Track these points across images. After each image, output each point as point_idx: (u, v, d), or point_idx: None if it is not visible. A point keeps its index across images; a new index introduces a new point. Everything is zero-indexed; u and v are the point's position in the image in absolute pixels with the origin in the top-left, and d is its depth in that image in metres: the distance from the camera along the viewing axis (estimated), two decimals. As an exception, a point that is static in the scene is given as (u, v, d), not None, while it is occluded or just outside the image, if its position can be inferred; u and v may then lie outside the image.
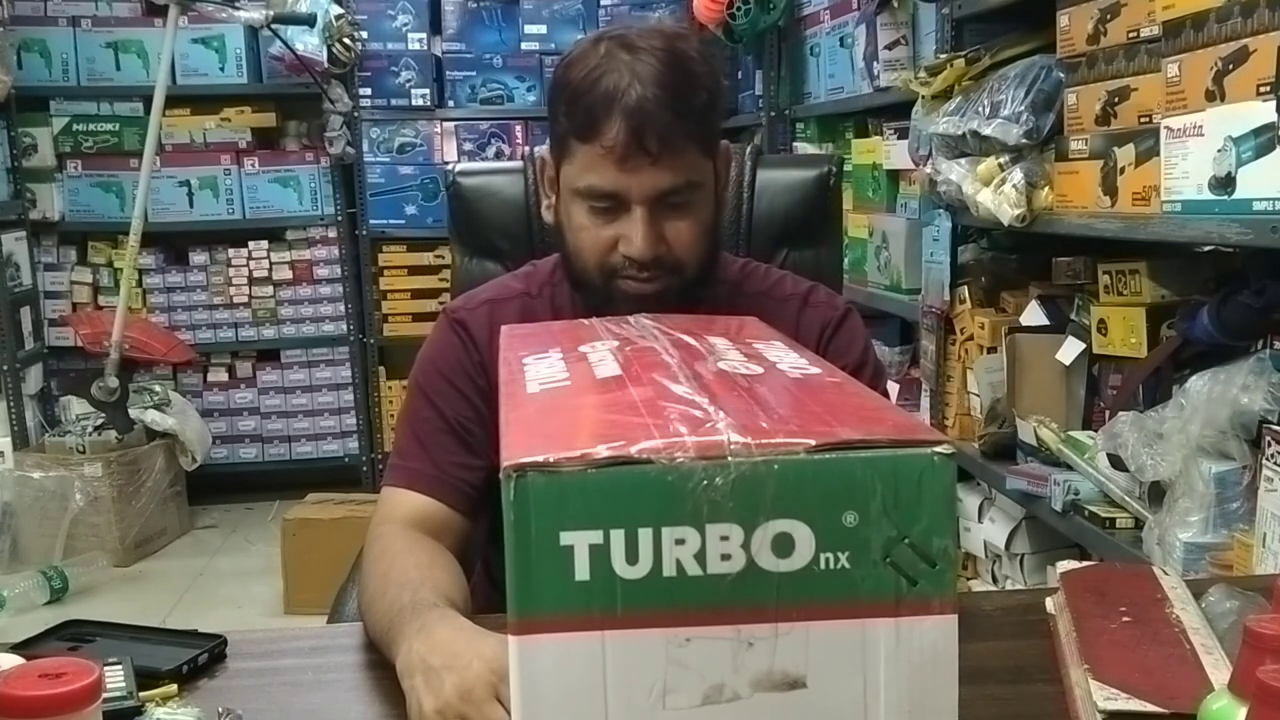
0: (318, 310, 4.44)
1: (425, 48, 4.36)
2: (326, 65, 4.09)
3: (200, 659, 1.04)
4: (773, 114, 3.64)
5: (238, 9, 3.92)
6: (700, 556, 0.53)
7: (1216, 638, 0.94)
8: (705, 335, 0.81)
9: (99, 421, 3.87)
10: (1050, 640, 1.02)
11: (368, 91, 4.34)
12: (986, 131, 2.05)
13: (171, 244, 4.38)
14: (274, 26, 3.91)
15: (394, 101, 4.36)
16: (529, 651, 0.54)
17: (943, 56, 2.34)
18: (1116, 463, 1.80)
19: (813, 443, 0.54)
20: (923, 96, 2.37)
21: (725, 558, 0.53)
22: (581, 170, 1.17)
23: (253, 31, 4.15)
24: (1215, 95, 1.52)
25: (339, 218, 4.40)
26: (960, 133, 2.15)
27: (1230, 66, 1.49)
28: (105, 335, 3.87)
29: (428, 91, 4.35)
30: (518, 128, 4.38)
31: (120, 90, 4.27)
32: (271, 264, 4.40)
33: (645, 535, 0.53)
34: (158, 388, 4.10)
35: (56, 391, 4.27)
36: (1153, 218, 1.68)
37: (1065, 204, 1.94)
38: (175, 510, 4.03)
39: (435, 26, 4.39)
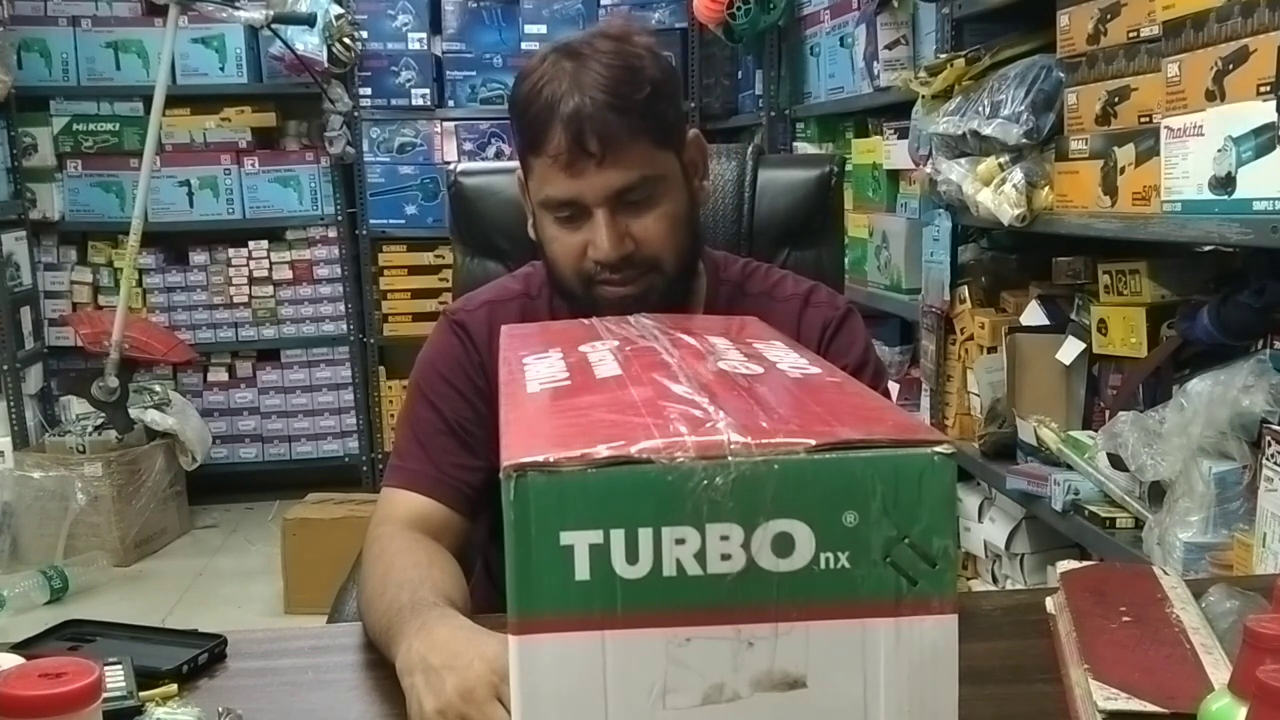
0: (318, 310, 4.44)
1: (425, 47, 4.36)
2: (326, 65, 4.09)
3: (200, 659, 1.04)
4: (773, 114, 3.64)
5: (238, 9, 3.92)
6: (700, 556, 0.53)
7: (1216, 638, 0.94)
8: (705, 335, 0.81)
9: (99, 421, 3.87)
10: (1050, 640, 1.02)
11: (368, 91, 4.34)
12: (986, 131, 2.05)
13: (171, 244, 4.38)
14: (274, 26, 3.91)
15: (394, 101, 4.36)
16: (529, 651, 0.54)
17: (943, 56, 2.34)
18: (1116, 463, 1.80)
19: (813, 442, 0.54)
20: (923, 96, 2.37)
21: (725, 557, 0.53)
22: (539, 183, 1.19)
23: (253, 31, 4.15)
24: (1215, 95, 1.52)
25: (339, 217, 4.40)
26: (960, 133, 2.15)
27: (1230, 66, 1.49)
28: (105, 335, 3.87)
29: (428, 91, 4.35)
30: (518, 128, 4.37)
31: (120, 90, 4.27)
32: (271, 264, 4.40)
33: (645, 535, 0.53)
34: (158, 387, 4.10)
35: (56, 391, 4.27)
36: (1153, 218, 1.68)
37: (1065, 204, 1.94)
38: (175, 510, 4.03)
39: (435, 26, 4.39)
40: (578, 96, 1.14)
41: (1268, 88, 1.42)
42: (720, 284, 1.31)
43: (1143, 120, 1.73)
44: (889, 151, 2.81)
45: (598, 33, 1.21)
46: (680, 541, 0.53)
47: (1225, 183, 1.49)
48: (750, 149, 1.62)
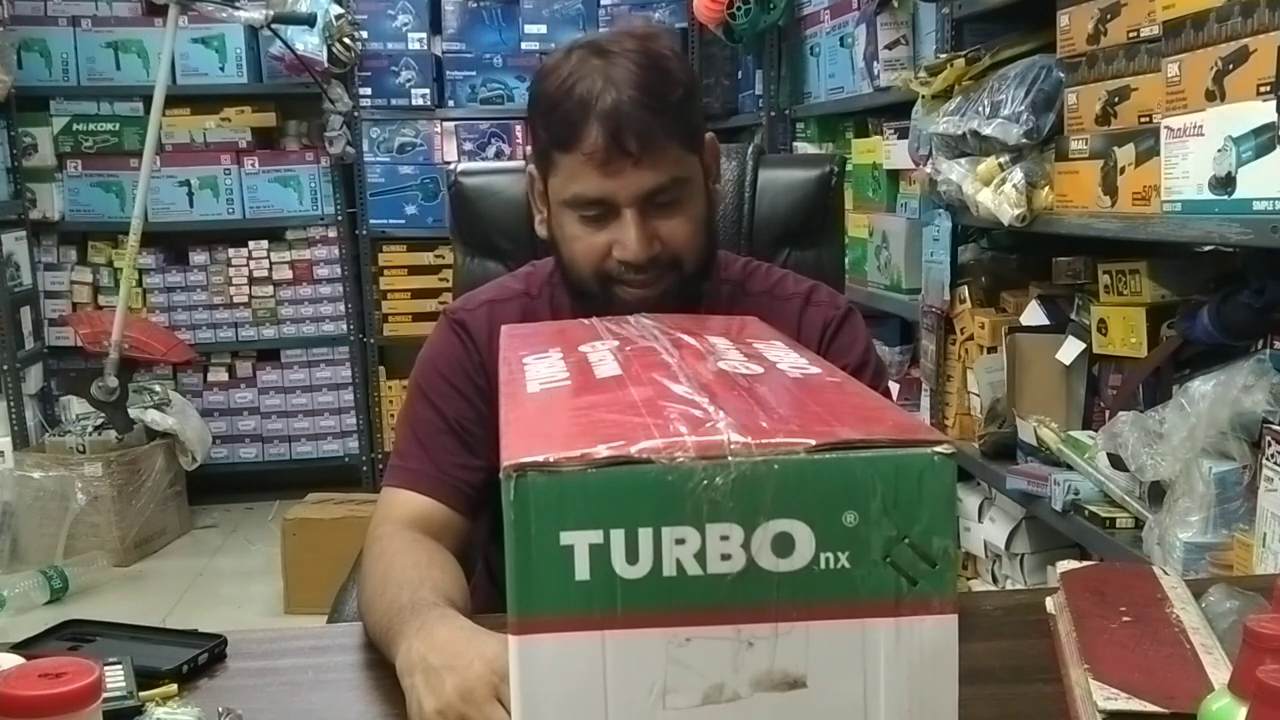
0: (318, 310, 4.45)
1: (425, 47, 4.37)
2: (326, 65, 4.09)
3: (200, 659, 1.04)
4: (773, 114, 3.64)
5: (238, 9, 3.92)
6: (700, 556, 0.53)
7: (1216, 638, 0.94)
8: (705, 335, 0.81)
9: (99, 421, 3.87)
10: (1050, 640, 1.02)
11: (368, 91, 4.34)
12: (986, 131, 2.05)
13: (171, 244, 4.38)
14: (274, 26, 3.91)
15: (394, 101, 4.36)
16: (529, 651, 0.54)
17: (943, 56, 2.34)
18: (1116, 463, 1.80)
19: (813, 442, 0.54)
20: (923, 96, 2.37)
21: (725, 557, 0.53)
22: (566, 180, 1.18)
23: (253, 31, 4.15)
24: (1215, 95, 1.52)
25: (339, 217, 4.41)
26: (960, 133, 2.15)
27: (1230, 66, 1.49)
28: (105, 335, 3.87)
29: (428, 91, 4.35)
30: (518, 127, 4.37)
31: (120, 90, 4.27)
32: (271, 264, 4.40)
33: (645, 535, 0.53)
34: (158, 387, 4.10)
35: (56, 391, 4.27)
36: (1153, 218, 1.68)
37: (1065, 204, 1.94)
38: (175, 510, 4.03)
39: (435, 26, 4.39)
40: (613, 93, 1.13)
41: (1268, 88, 1.42)
42: (721, 283, 1.31)
43: (1143, 120, 1.73)
44: (889, 151, 2.81)
45: (622, 32, 1.20)
46: (680, 541, 0.53)
47: (1225, 183, 1.49)
48: (750, 149, 1.62)
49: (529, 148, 4.55)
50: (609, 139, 1.13)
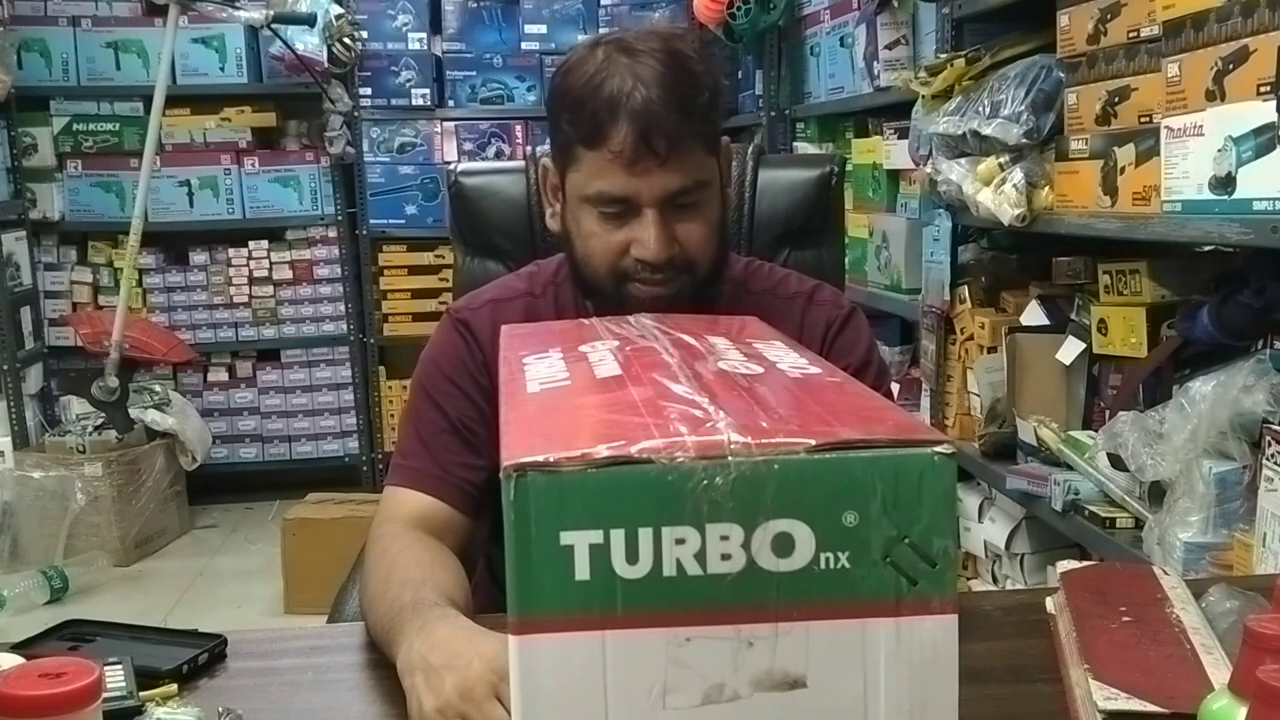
0: (318, 310, 4.45)
1: (425, 47, 4.37)
2: (326, 65, 4.09)
3: (200, 659, 1.04)
4: (773, 114, 3.64)
5: (238, 9, 3.92)
6: (700, 556, 0.53)
7: (1216, 638, 0.94)
8: (705, 335, 0.81)
9: (99, 421, 3.87)
10: (1050, 640, 1.02)
11: (368, 91, 4.34)
12: (986, 131, 2.05)
13: (171, 244, 4.38)
14: (274, 26, 3.91)
15: (394, 101, 4.36)
16: (529, 651, 0.54)
17: (943, 56, 2.34)
18: (1116, 463, 1.80)
19: (813, 442, 0.54)
20: (923, 96, 2.37)
21: (725, 557, 0.53)
22: (589, 176, 1.17)
23: (253, 31, 4.15)
24: (1215, 95, 1.52)
25: (339, 217, 4.41)
26: (960, 133, 2.15)
27: (1230, 66, 1.49)
28: (105, 335, 3.87)
29: (428, 91, 4.35)
30: (518, 127, 4.38)
31: (120, 90, 4.27)
32: (271, 264, 4.40)
33: (645, 535, 0.53)
34: (158, 387, 4.10)
35: (56, 391, 4.27)
36: (1153, 218, 1.68)
37: (1065, 204, 1.94)
38: (175, 510, 4.03)
39: (435, 26, 4.39)
40: (644, 92, 1.13)
41: (1268, 88, 1.42)
42: (724, 281, 1.31)
43: (1143, 120, 1.73)
44: (889, 151, 2.81)
45: (646, 30, 1.20)
46: (680, 541, 0.53)
47: (1225, 183, 1.49)
48: (750, 149, 1.62)
49: (528, 145, 4.53)
50: (638, 138, 1.13)
